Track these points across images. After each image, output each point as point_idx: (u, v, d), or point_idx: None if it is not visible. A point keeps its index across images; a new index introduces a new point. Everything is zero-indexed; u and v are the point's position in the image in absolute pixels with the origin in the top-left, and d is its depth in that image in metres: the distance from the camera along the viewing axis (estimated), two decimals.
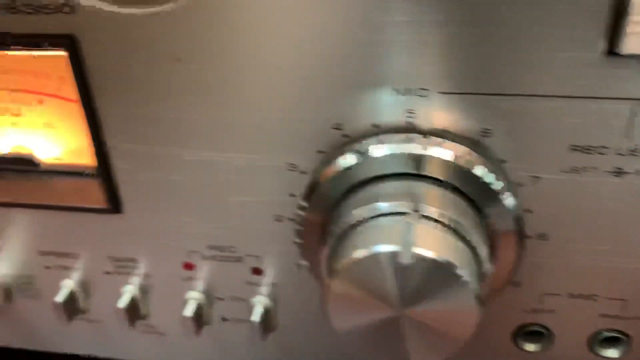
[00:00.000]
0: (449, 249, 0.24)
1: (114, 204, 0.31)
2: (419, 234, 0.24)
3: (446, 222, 0.25)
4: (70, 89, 0.32)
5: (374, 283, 0.24)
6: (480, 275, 0.25)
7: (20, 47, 0.28)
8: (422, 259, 0.23)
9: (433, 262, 0.23)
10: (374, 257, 0.23)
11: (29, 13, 0.26)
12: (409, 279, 0.23)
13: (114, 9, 0.26)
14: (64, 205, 0.32)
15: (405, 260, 0.23)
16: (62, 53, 0.30)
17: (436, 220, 0.25)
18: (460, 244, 0.25)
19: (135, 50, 0.26)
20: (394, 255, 0.23)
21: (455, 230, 0.25)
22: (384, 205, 0.25)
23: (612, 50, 0.23)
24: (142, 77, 0.27)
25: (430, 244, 0.23)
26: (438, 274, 0.23)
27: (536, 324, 0.31)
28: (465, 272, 0.23)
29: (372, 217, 0.25)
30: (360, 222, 0.25)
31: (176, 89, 0.27)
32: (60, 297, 0.34)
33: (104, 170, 0.30)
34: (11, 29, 0.27)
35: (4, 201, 0.33)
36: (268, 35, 0.25)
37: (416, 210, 0.24)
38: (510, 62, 0.24)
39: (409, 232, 0.23)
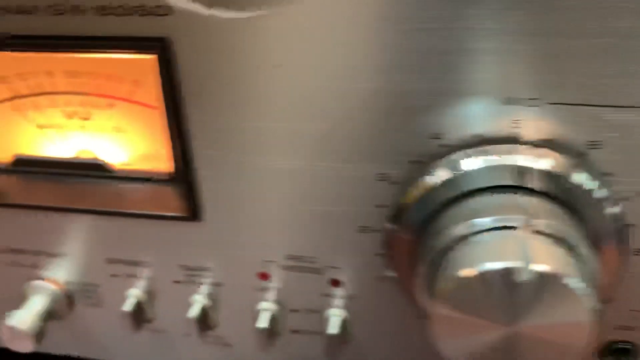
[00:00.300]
0: (563, 262, 0.23)
1: (194, 212, 0.30)
2: (534, 248, 0.23)
3: (557, 235, 0.24)
4: (145, 93, 0.31)
5: (484, 301, 0.23)
6: (593, 288, 0.24)
7: (106, 50, 0.28)
8: (539, 275, 0.22)
9: (550, 277, 0.22)
10: (485, 275, 0.23)
11: (120, 15, 0.26)
12: (523, 295, 0.23)
13: (211, 12, 0.25)
14: (140, 212, 0.31)
15: (524, 276, 0.22)
16: (145, 56, 0.29)
17: (547, 234, 0.24)
18: (572, 257, 0.24)
19: (231, 56, 0.26)
20: (509, 271, 0.22)
21: (565, 243, 0.24)
22: (488, 220, 0.24)
23: None
24: (236, 83, 0.26)
25: (546, 259, 0.22)
26: (554, 289, 0.22)
27: (624, 342, 0.30)
28: (580, 285, 0.22)
29: (476, 233, 0.24)
30: (462, 238, 0.24)
31: (271, 96, 0.26)
32: (127, 307, 0.33)
33: (186, 177, 0.29)
34: (99, 32, 0.26)
35: (72, 207, 0.33)
36: (366, 43, 0.25)
37: (527, 225, 0.24)
38: (624, 73, 0.23)
39: (525, 248, 0.23)
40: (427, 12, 0.24)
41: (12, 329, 0.33)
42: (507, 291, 0.23)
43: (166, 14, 0.25)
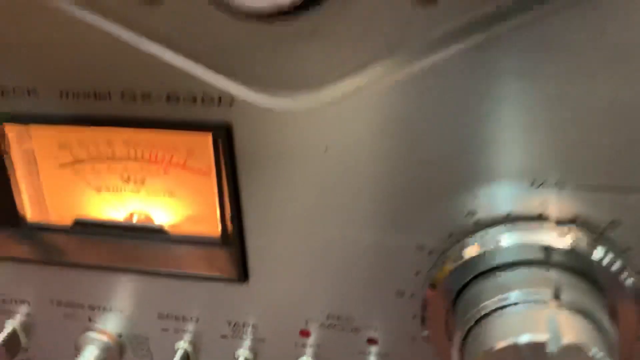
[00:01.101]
0: (588, 335, 0.25)
1: (242, 274, 0.33)
2: (562, 322, 0.25)
3: (582, 308, 0.26)
4: (198, 161, 0.34)
5: None
6: (613, 357, 0.26)
7: (170, 131, 0.31)
8: (567, 347, 0.24)
9: (576, 348, 0.25)
10: (517, 347, 0.25)
11: (187, 102, 0.29)
12: None
13: (269, 103, 0.28)
14: (190, 274, 0.34)
15: (553, 349, 0.24)
16: (203, 133, 0.32)
17: (573, 308, 0.26)
18: (595, 329, 0.26)
19: (284, 140, 0.29)
20: (540, 345, 0.25)
21: (590, 316, 0.26)
22: (518, 294, 0.27)
23: None
24: (287, 163, 0.29)
25: (573, 331, 0.25)
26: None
27: None
28: (604, 356, 0.25)
29: (507, 306, 0.27)
30: (495, 311, 0.27)
31: (320, 175, 0.29)
32: (176, 359, 0.36)
33: (236, 241, 0.32)
34: (167, 115, 0.29)
35: (126, 267, 0.35)
36: (408, 125, 0.28)
37: (555, 299, 0.26)
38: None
39: (554, 321, 0.25)
40: (463, 101, 0.27)
41: None
42: None
43: (228, 104, 0.28)
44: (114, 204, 0.37)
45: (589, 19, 0.24)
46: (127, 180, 0.37)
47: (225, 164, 0.30)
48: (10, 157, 0.36)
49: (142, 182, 0.36)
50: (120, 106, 0.30)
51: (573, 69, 0.25)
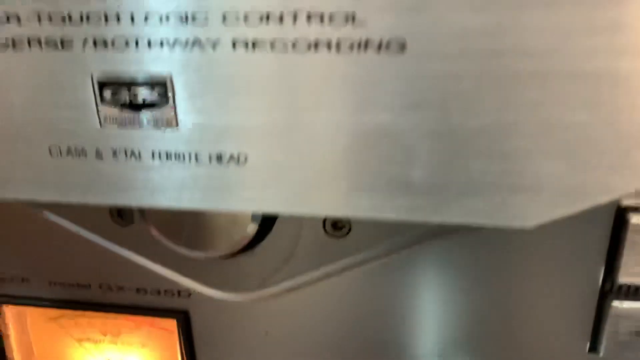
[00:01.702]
0: None
1: None
2: None
3: None
4: (165, 322, 0.40)
5: None
6: None
7: (139, 315, 0.37)
8: None
9: None
10: None
11: (153, 294, 0.35)
12: None
13: (219, 296, 0.34)
14: None
15: None
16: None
17: None
18: None
19: (232, 324, 0.35)
20: None
21: None
22: None
23: (593, 350, 0.32)
24: (236, 342, 0.35)
25: None
26: None
27: None
28: None
29: None
30: None
31: (261, 352, 0.35)
32: None
33: None
34: (137, 303, 0.36)
35: None
36: (332, 314, 0.34)
37: None
38: (516, 346, 0.33)
39: None
40: (378, 297, 0.33)
41: None
42: None
43: (187, 295, 0.35)
44: (93, 353, 0.43)
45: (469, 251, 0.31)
46: (105, 333, 0.43)
47: (184, 340, 0.36)
48: (3, 315, 0.42)
49: (118, 334, 0.42)
50: (98, 295, 0.36)
51: (456, 284, 0.31)
